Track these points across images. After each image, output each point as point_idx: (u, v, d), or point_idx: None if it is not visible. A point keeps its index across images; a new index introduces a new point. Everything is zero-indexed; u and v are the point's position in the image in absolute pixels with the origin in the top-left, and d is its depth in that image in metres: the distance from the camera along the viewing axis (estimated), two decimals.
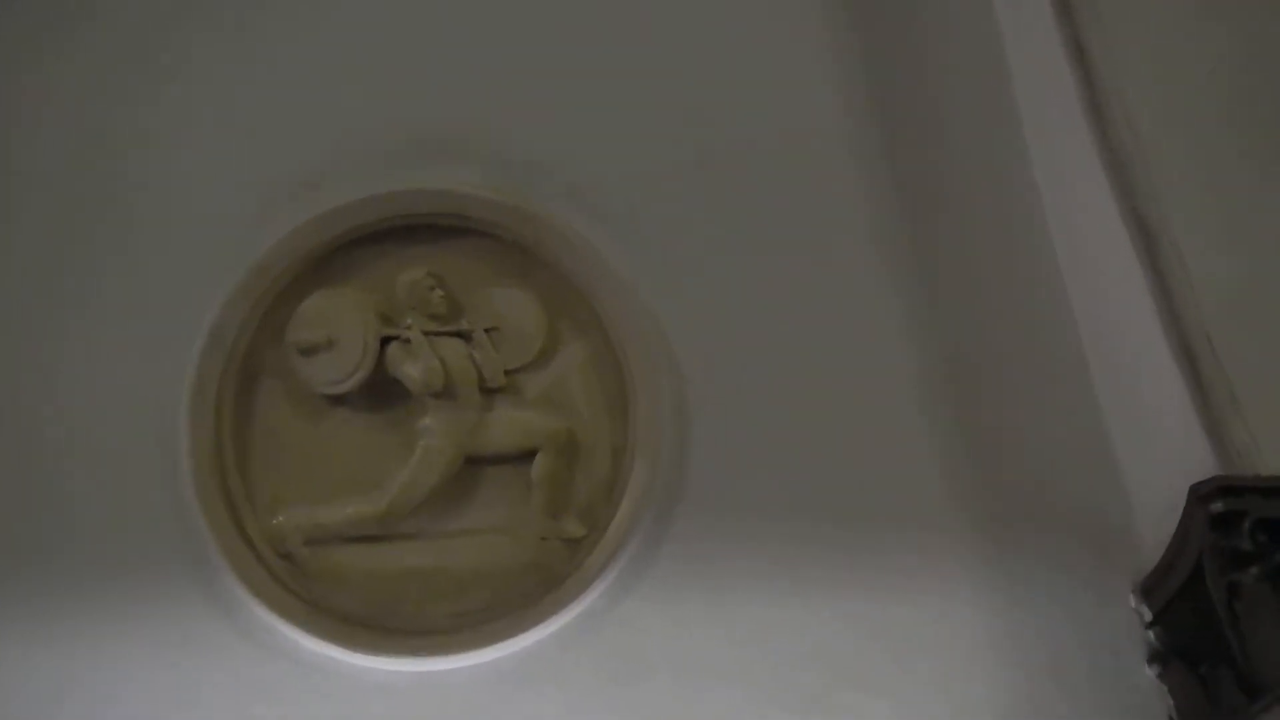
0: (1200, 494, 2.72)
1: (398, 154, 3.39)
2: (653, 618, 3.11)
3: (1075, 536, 3.12)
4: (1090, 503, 3.15)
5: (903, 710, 3.02)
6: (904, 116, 3.46)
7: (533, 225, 3.34)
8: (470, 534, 3.23)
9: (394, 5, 3.55)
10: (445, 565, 3.19)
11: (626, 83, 3.48)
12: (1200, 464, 2.74)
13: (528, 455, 3.24)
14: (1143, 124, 2.94)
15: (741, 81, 3.48)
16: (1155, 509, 2.94)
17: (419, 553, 3.21)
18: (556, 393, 3.32)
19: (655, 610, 3.11)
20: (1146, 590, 3.02)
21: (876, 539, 3.15)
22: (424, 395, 3.25)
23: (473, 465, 3.25)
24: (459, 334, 3.30)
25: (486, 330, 3.31)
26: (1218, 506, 2.69)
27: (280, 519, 3.20)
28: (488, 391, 3.30)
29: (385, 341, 3.27)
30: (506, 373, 3.31)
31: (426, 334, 3.27)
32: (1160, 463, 2.97)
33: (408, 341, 3.26)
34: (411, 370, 3.24)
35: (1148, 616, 3.03)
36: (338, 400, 3.28)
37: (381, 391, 3.28)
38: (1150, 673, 3.01)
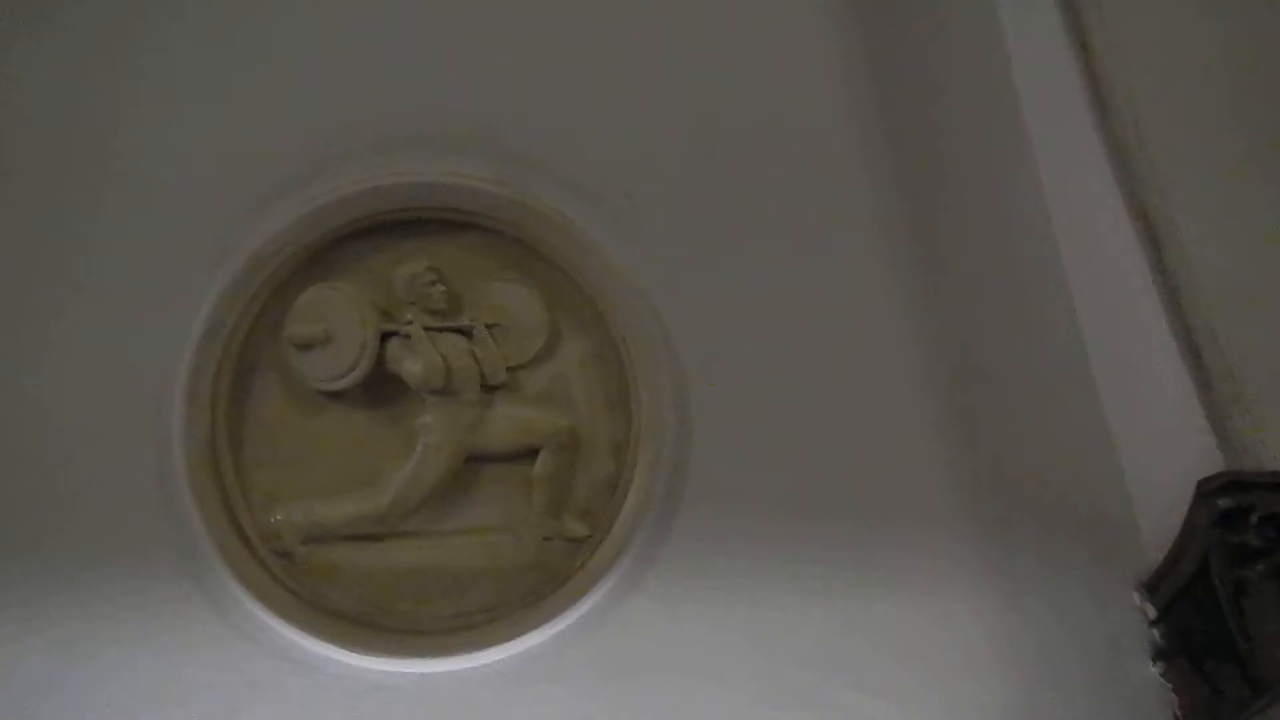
0: (1207, 489, 2.71)
1: (397, 146, 3.34)
2: (654, 618, 3.09)
3: (1077, 535, 3.12)
4: (1093, 500, 3.15)
5: (903, 710, 3.01)
6: (908, 110, 3.45)
7: (533, 220, 3.29)
8: (470, 533, 3.19)
9: None
10: (445, 564, 3.15)
11: (628, 77, 3.46)
12: (1205, 460, 2.73)
13: (528, 453, 3.21)
14: (1146, 118, 2.95)
15: (744, 78, 3.46)
16: (1158, 506, 2.95)
17: (418, 551, 3.16)
18: (557, 390, 3.28)
19: (657, 610, 3.09)
20: (1150, 588, 3.02)
21: (878, 538, 3.14)
22: (424, 392, 3.20)
23: (472, 463, 3.21)
24: (460, 330, 3.26)
25: (488, 326, 3.27)
26: (1225, 502, 2.69)
27: (278, 517, 3.15)
28: (488, 389, 3.25)
29: (384, 337, 3.21)
30: (507, 369, 3.27)
31: (427, 329, 3.22)
32: (1164, 459, 2.96)
33: (408, 337, 3.21)
34: (412, 367, 3.19)
35: (1152, 614, 3.03)
36: (335, 396, 3.22)
37: (380, 387, 3.22)
38: (1154, 670, 3.01)
